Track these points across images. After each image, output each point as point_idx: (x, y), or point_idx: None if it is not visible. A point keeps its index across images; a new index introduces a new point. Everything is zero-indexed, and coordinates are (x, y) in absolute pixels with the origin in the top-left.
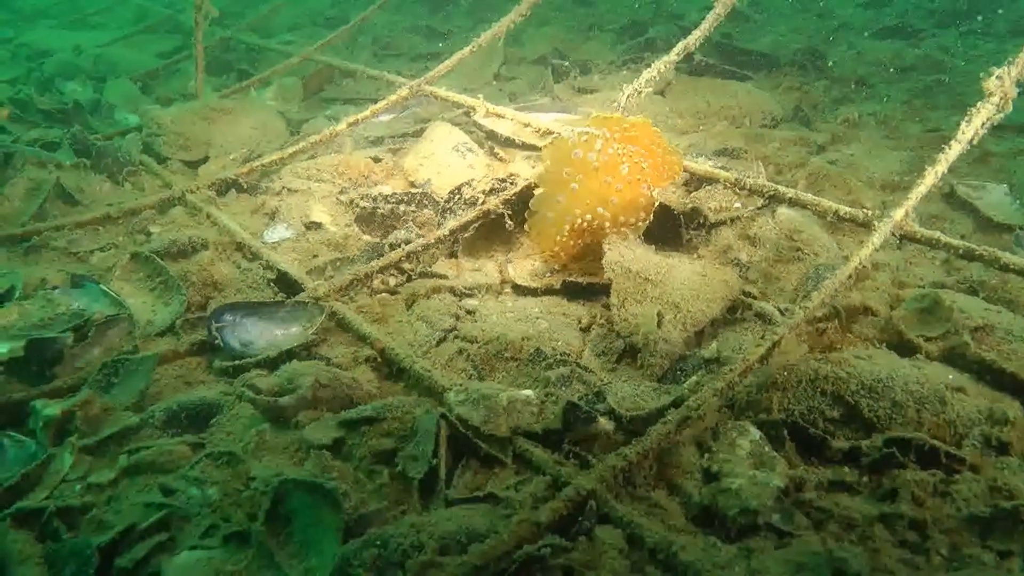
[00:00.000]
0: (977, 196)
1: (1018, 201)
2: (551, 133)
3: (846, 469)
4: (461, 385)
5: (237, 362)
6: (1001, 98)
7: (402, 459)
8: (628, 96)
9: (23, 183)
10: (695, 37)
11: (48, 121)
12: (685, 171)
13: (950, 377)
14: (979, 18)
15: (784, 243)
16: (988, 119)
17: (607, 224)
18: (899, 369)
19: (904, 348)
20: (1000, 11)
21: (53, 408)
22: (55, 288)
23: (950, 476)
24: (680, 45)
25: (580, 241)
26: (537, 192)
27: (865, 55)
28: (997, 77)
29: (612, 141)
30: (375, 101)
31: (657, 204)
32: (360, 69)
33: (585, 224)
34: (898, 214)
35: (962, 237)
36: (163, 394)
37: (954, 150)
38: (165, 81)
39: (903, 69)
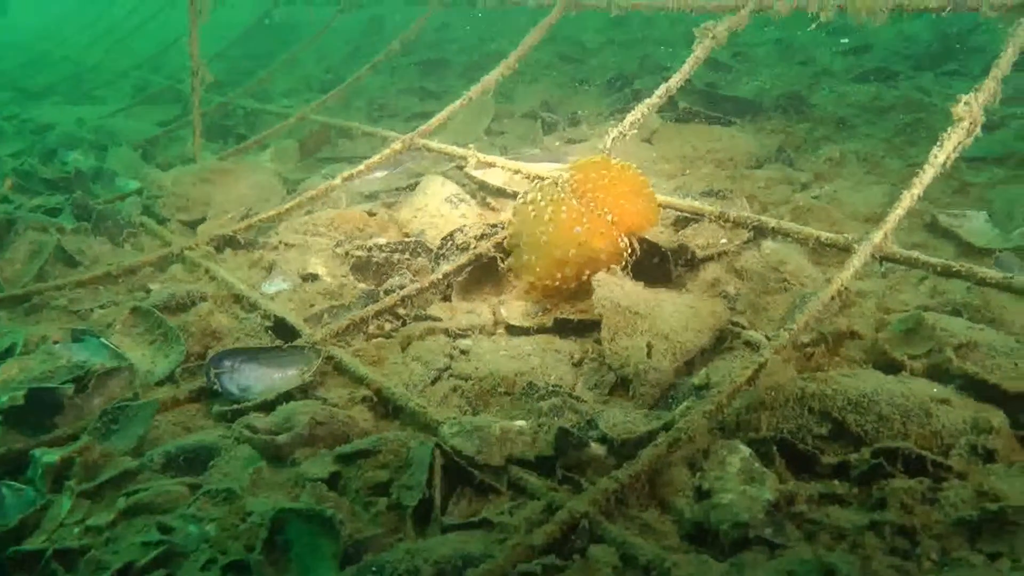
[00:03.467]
0: (958, 224)
1: (997, 227)
2: (542, 179)
3: (836, 482)
4: (455, 419)
5: (235, 406)
6: (970, 122)
7: (397, 489)
8: (614, 139)
9: (25, 246)
10: (676, 80)
11: (51, 190)
12: (671, 208)
13: (935, 390)
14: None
15: (770, 275)
16: (959, 143)
17: (568, 282)
18: (884, 384)
19: (890, 367)
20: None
21: (52, 455)
22: (56, 343)
23: (938, 484)
24: (662, 88)
25: (558, 284)
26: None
27: (845, 98)
28: (965, 103)
29: (561, 202)
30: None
31: (627, 246)
32: (355, 126)
33: (546, 284)
34: (877, 236)
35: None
36: (162, 440)
37: (928, 173)
38: (165, 148)
39: (883, 110)
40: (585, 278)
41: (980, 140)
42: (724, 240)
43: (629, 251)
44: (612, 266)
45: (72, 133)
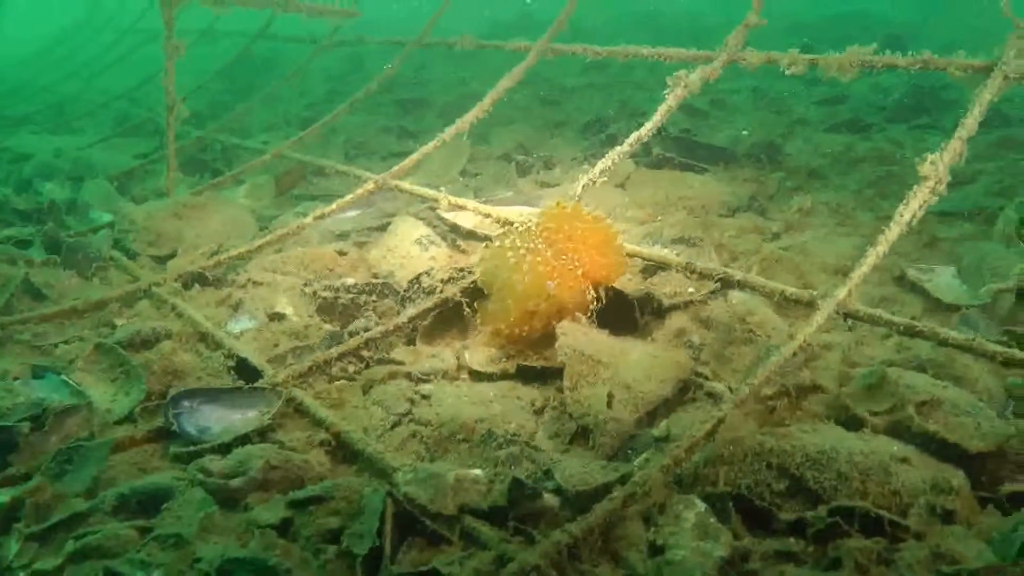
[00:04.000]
0: (927, 279)
1: (966, 283)
2: (511, 224)
3: (792, 540)
4: (410, 466)
5: (192, 448)
6: (936, 181)
7: (348, 536)
8: (583, 186)
9: None
10: (647, 128)
11: (23, 221)
12: (639, 257)
13: (895, 448)
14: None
15: (737, 326)
16: (924, 201)
17: (535, 332)
18: (843, 441)
19: (852, 423)
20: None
21: (2, 496)
22: (16, 379)
23: (894, 544)
24: (633, 136)
25: (525, 333)
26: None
27: (819, 148)
28: (931, 163)
29: (538, 252)
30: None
31: (594, 297)
32: (330, 165)
33: (516, 331)
34: (841, 293)
35: (912, 318)
36: (117, 481)
37: (893, 231)
38: (141, 180)
39: (855, 161)
40: (552, 327)
41: (951, 195)
42: (691, 289)
43: (595, 302)
44: (577, 314)
45: (49, 163)
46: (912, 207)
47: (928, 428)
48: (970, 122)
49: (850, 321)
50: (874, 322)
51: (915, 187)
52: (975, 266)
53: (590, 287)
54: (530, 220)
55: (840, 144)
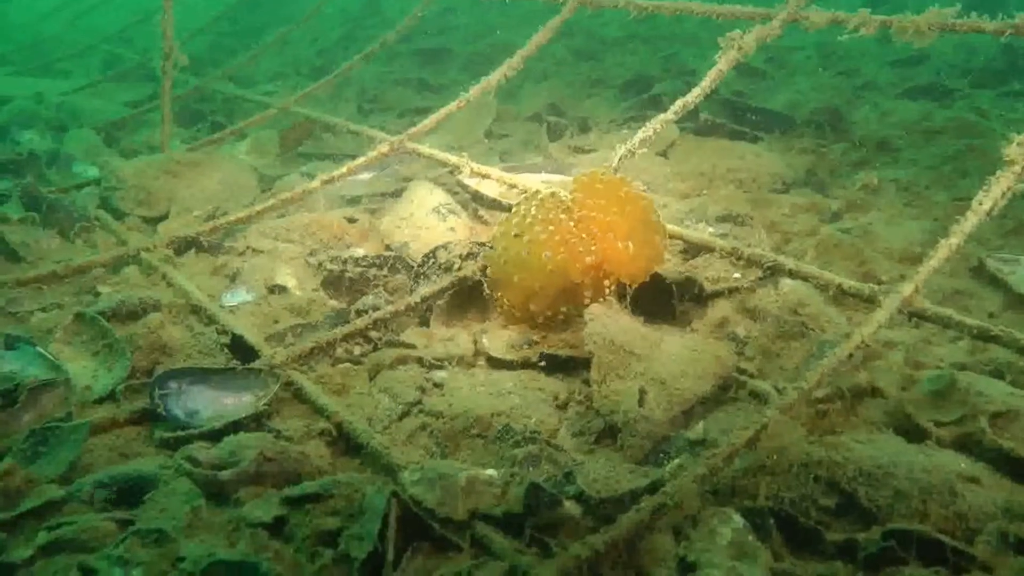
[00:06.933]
0: (1009, 271)
1: None
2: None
3: (839, 564)
4: (418, 463)
5: (179, 433)
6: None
7: (346, 539)
8: (621, 156)
9: None
10: (695, 94)
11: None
12: (679, 239)
13: (962, 466)
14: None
15: (787, 318)
16: (1008, 188)
17: (538, 311)
18: (903, 455)
19: (914, 434)
20: None
21: None
22: None
23: (958, 575)
24: (678, 103)
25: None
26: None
27: (890, 116)
28: (1019, 144)
29: (540, 223)
30: (355, 158)
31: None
32: (341, 123)
33: (517, 313)
34: (907, 289)
35: (990, 315)
36: (95, 466)
37: (970, 221)
38: (132, 131)
39: (932, 132)
40: (562, 311)
41: None
42: (737, 275)
43: (612, 286)
44: (608, 298)
45: (29, 109)
46: (993, 194)
47: (1002, 444)
48: None
49: (916, 320)
50: (943, 323)
51: (998, 172)
52: None
53: (611, 277)
54: (561, 191)
55: (915, 112)
